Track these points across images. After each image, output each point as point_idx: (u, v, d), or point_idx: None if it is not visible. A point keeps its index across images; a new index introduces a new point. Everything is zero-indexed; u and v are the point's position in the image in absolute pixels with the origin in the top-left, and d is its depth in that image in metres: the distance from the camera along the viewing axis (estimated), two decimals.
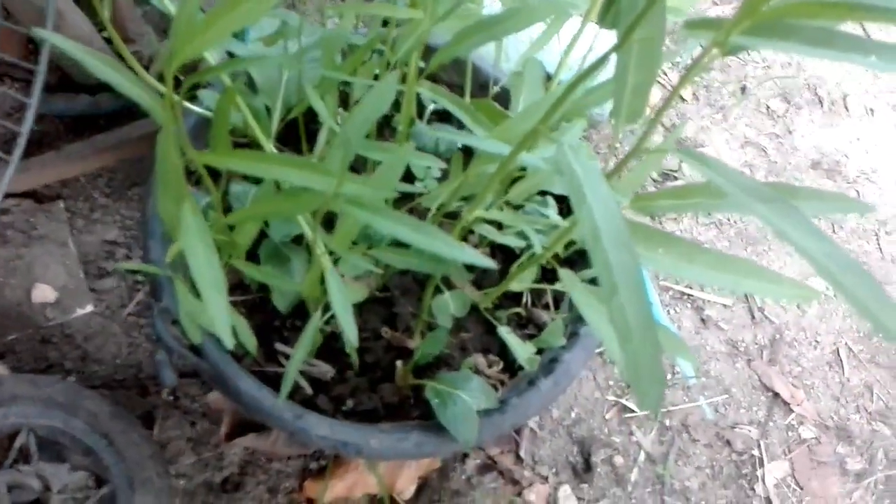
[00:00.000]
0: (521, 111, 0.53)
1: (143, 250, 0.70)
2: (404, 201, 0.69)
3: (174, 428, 0.88)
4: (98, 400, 0.79)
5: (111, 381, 0.89)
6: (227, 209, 0.69)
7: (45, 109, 1.07)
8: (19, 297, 0.91)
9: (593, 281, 0.63)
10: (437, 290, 0.65)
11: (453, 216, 0.66)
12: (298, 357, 0.55)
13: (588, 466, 0.96)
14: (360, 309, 0.72)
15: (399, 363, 0.69)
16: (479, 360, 0.70)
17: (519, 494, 0.92)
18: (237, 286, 0.73)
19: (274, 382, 0.64)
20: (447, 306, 0.64)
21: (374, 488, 0.86)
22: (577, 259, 0.73)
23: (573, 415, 0.99)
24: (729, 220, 1.21)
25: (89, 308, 0.93)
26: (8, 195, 0.98)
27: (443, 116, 0.80)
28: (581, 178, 0.37)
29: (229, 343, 0.40)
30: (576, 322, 0.70)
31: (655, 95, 1.31)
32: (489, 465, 0.94)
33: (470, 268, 0.75)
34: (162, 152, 0.42)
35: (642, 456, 0.98)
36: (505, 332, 0.65)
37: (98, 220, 1.00)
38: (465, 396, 0.62)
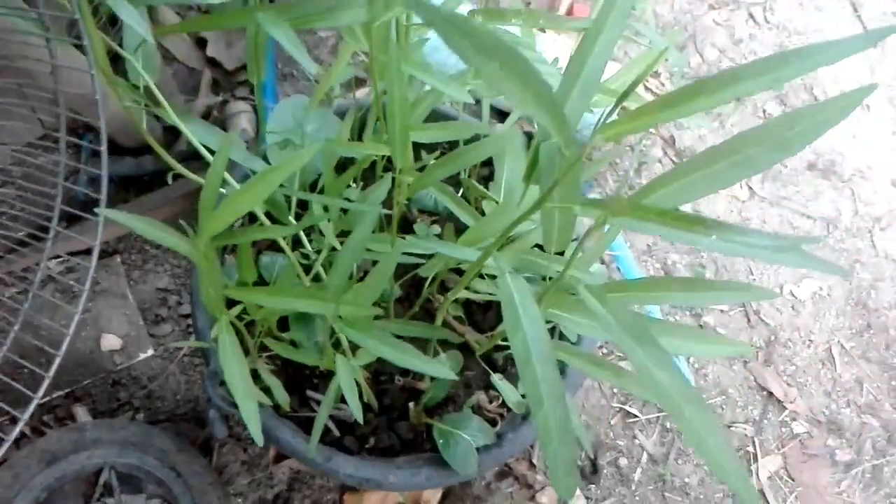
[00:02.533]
0: (482, 222, 0.63)
1: (191, 313, 0.83)
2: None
3: (230, 453, 1.02)
4: (165, 437, 0.93)
5: (173, 416, 1.04)
6: (259, 277, 0.81)
7: (95, 173, 1.20)
8: (90, 346, 1.06)
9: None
10: (435, 352, 0.76)
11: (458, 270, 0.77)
12: (324, 416, 0.68)
13: (595, 469, 1.07)
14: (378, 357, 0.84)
15: (412, 404, 0.81)
16: (480, 396, 0.82)
17: (532, 498, 1.04)
18: (270, 334, 0.85)
19: (307, 426, 0.76)
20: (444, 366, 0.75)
21: (403, 498, 0.99)
22: None
23: (581, 421, 1.10)
24: None
25: (150, 352, 1.07)
26: (72, 254, 1.12)
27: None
28: (517, 305, 0.48)
29: (259, 441, 0.52)
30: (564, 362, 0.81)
31: None
32: (506, 472, 1.06)
33: (470, 313, 0.87)
34: (201, 284, 0.54)
35: (645, 457, 1.08)
36: (497, 378, 0.76)
37: (151, 271, 1.14)
38: (466, 436, 0.74)
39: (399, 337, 0.82)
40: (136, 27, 0.56)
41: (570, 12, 1.40)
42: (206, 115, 1.24)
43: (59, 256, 1.12)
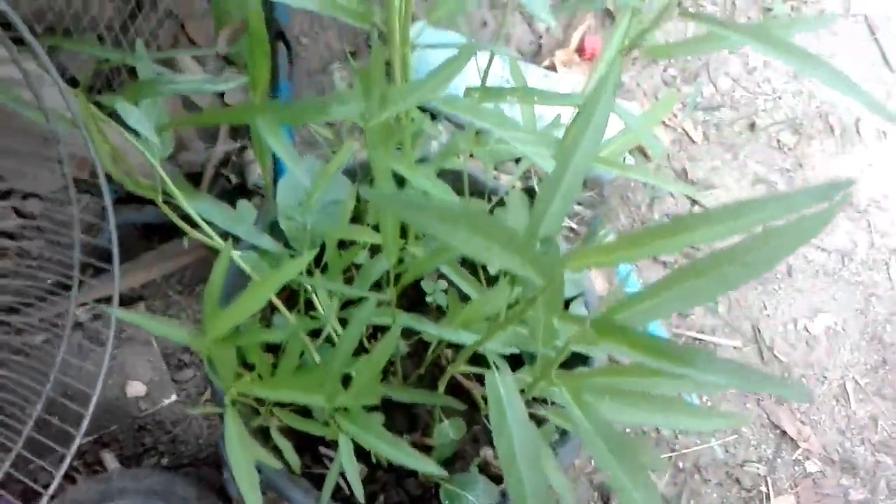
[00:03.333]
0: (479, 301, 0.65)
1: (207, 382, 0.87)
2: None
3: None
4: (187, 485, 0.97)
5: (196, 460, 1.08)
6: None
7: (120, 220, 1.25)
8: (117, 393, 1.10)
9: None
10: (440, 418, 0.78)
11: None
12: (332, 481, 0.70)
13: None
14: (387, 411, 0.86)
15: None
16: (487, 453, 0.84)
17: None
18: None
19: (320, 482, 0.79)
20: (447, 434, 0.78)
21: None
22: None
23: (594, 462, 1.12)
24: None
25: (173, 398, 1.11)
26: (98, 300, 1.17)
27: None
28: (505, 405, 0.50)
29: None
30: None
31: (665, 138, 1.39)
32: None
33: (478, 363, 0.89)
34: (211, 367, 0.58)
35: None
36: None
37: (174, 316, 1.18)
38: (472, 498, 0.76)
39: (400, 404, 0.85)
40: (145, 132, 0.59)
41: (580, 47, 1.41)
42: (224, 162, 1.28)
43: (85, 304, 1.17)
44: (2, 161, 1.18)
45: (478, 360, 0.87)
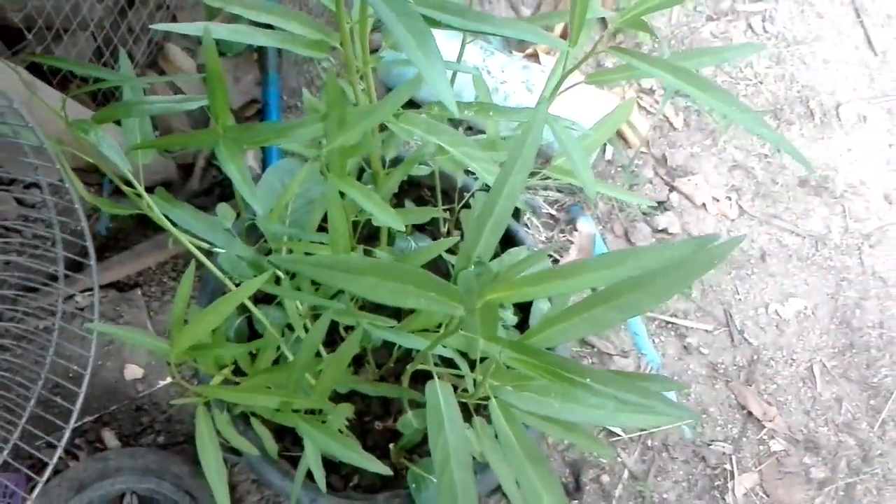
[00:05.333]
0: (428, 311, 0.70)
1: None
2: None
3: (241, 473, 1.13)
4: (181, 463, 1.04)
5: (190, 438, 1.14)
6: (255, 331, 0.90)
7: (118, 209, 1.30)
8: (115, 375, 1.17)
9: None
10: (406, 409, 0.84)
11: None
12: (303, 472, 0.76)
13: (578, 486, 1.15)
14: (363, 398, 0.92)
15: (392, 445, 0.89)
16: None
17: None
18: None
19: (298, 463, 0.85)
20: (411, 423, 0.83)
21: None
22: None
23: (566, 441, 1.17)
24: None
25: (168, 380, 1.17)
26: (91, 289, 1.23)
27: (419, 227, 0.97)
28: (444, 413, 0.55)
29: None
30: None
31: (646, 124, 1.41)
32: (494, 490, 1.14)
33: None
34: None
35: (626, 474, 1.15)
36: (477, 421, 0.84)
37: (169, 301, 1.24)
38: (435, 480, 0.82)
39: (367, 396, 0.90)
40: (115, 158, 0.64)
41: (564, 34, 1.43)
42: (213, 154, 1.32)
43: (86, 290, 1.23)
44: (3, 153, 1.23)
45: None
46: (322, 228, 0.82)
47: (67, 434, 0.95)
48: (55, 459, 0.94)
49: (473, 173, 0.79)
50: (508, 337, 0.77)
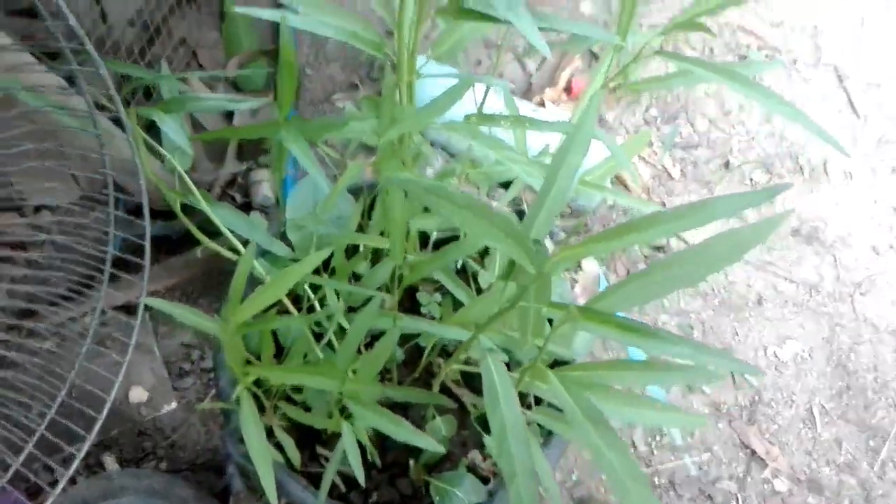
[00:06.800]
0: (473, 304, 0.72)
1: (214, 371, 0.92)
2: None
3: (246, 500, 1.10)
4: (186, 487, 1.01)
5: (194, 465, 1.12)
6: (278, 344, 0.90)
7: (130, 233, 1.31)
8: (120, 398, 1.15)
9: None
10: (433, 415, 0.84)
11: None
12: (330, 475, 0.76)
13: None
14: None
15: (412, 461, 0.89)
16: (476, 456, 0.90)
17: None
18: (286, 398, 0.94)
19: (316, 480, 0.84)
20: (439, 430, 0.83)
21: None
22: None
23: (574, 477, 1.17)
24: (714, 290, 1.37)
25: (174, 404, 1.15)
26: (114, 308, 1.22)
27: (443, 243, 1.00)
28: (497, 387, 0.56)
29: (273, 501, 0.60)
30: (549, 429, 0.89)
31: (646, 173, 1.47)
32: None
33: (469, 375, 0.95)
34: (226, 355, 0.63)
35: None
36: (490, 439, 0.84)
37: (177, 326, 1.24)
38: (460, 494, 0.82)
39: (397, 403, 0.91)
40: (176, 138, 0.66)
41: (568, 87, 1.51)
42: (231, 182, 1.35)
43: (103, 311, 1.22)
44: (19, 178, 1.24)
45: (468, 363, 0.94)
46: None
47: (78, 459, 0.93)
48: (61, 485, 0.91)
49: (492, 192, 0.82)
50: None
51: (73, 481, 1.10)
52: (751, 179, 1.50)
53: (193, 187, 0.78)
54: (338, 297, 0.77)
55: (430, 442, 0.64)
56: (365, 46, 0.64)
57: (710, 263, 0.51)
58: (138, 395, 1.15)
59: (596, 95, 0.57)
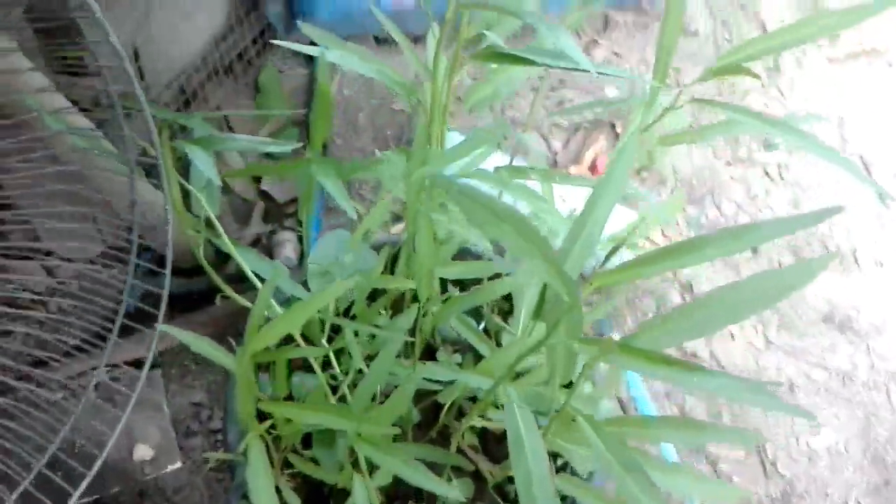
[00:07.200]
0: (496, 354, 0.69)
1: (222, 428, 0.89)
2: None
3: None
4: None
5: None
6: (290, 396, 0.87)
7: (141, 292, 1.30)
8: (123, 455, 1.11)
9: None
10: (449, 478, 0.80)
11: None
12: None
13: None
14: (395, 480, 0.87)
15: None
16: None
17: None
18: (294, 451, 0.90)
19: None
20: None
21: None
22: None
23: None
24: (743, 375, 1.32)
25: (178, 464, 1.11)
26: (117, 364, 1.20)
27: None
28: (523, 436, 0.53)
29: None
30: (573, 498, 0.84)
31: None
32: None
33: (485, 442, 0.91)
34: (238, 396, 0.61)
35: None
36: None
37: (188, 385, 1.21)
38: None
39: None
40: (207, 171, 0.66)
41: (593, 165, 1.52)
42: (254, 242, 1.35)
43: (115, 365, 1.20)
44: (47, 226, 1.25)
45: (485, 432, 0.90)
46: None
47: None
48: None
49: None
50: None
51: None
52: (779, 263, 1.47)
53: (221, 229, 0.77)
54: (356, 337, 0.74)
55: (449, 489, 0.60)
56: (399, 89, 0.65)
57: (751, 303, 0.48)
58: (142, 452, 1.11)
59: (630, 141, 0.56)
